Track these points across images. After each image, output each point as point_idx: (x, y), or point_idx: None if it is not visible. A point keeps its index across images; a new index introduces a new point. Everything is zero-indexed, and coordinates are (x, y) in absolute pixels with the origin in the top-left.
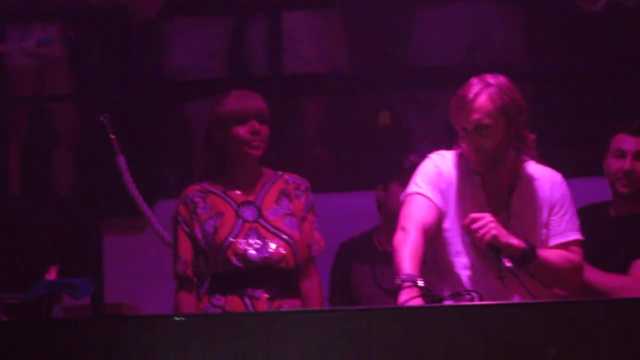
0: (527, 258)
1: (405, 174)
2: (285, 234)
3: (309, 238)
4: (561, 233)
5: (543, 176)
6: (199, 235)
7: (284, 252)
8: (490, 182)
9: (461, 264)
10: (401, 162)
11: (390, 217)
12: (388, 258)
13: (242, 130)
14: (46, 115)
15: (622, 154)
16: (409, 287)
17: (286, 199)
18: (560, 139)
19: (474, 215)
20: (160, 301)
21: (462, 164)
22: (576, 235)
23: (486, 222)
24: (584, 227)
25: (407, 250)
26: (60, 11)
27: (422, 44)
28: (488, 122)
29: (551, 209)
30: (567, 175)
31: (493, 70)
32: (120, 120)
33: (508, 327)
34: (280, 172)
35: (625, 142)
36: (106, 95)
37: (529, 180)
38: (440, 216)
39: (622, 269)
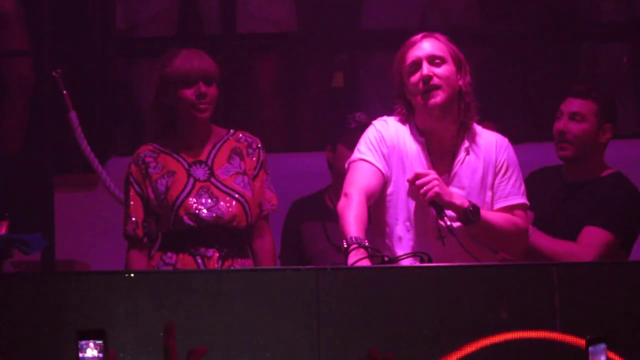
0: (469, 218)
1: (351, 134)
2: (237, 192)
3: (261, 197)
4: (506, 196)
5: (488, 140)
6: (151, 195)
7: (235, 211)
8: (435, 145)
9: (404, 226)
10: (347, 122)
11: (340, 177)
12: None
13: (188, 93)
14: None
15: (560, 115)
16: (356, 249)
17: (238, 158)
18: (514, 103)
19: (418, 171)
20: (111, 258)
21: (406, 128)
22: (521, 199)
23: (430, 179)
24: (535, 191)
25: (352, 215)
26: None
27: (377, 5)
28: (441, 54)
29: (496, 172)
30: (520, 140)
31: (447, 33)
32: (72, 76)
33: (457, 290)
34: (232, 131)
35: (566, 104)
36: (58, 51)
37: (474, 142)
38: (385, 180)
39: (571, 236)
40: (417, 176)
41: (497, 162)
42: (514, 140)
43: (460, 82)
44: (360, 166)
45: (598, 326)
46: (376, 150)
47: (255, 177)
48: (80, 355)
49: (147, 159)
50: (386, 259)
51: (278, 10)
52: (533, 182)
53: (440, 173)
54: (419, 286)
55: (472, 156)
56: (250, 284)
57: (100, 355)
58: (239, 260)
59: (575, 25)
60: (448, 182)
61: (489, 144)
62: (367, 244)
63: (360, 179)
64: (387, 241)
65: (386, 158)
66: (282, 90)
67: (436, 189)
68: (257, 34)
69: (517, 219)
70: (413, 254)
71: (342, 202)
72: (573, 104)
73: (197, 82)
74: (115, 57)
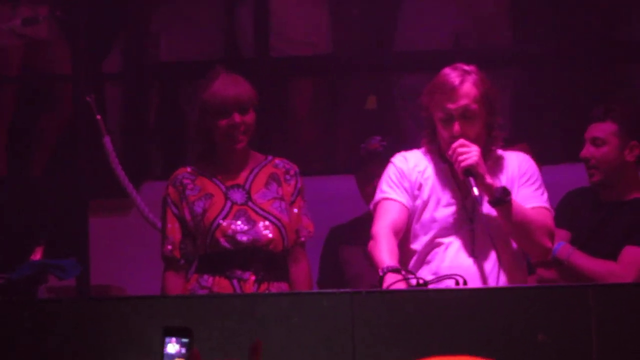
0: (501, 198)
1: (360, 162)
2: (274, 216)
3: (297, 223)
4: (528, 200)
5: (509, 157)
6: (188, 217)
7: (272, 235)
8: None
9: (438, 250)
10: (359, 150)
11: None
12: None
13: (223, 123)
14: (32, 95)
15: (584, 142)
16: (390, 272)
17: (275, 184)
18: (548, 123)
19: (463, 141)
20: (146, 282)
21: (428, 157)
22: (544, 204)
23: (472, 150)
24: (571, 211)
25: (382, 249)
26: None
27: (411, 27)
28: (475, 108)
29: (520, 182)
30: (554, 161)
31: (480, 54)
32: (108, 100)
33: (494, 312)
34: (270, 157)
35: (588, 130)
36: (94, 76)
37: (496, 165)
38: (409, 213)
39: (610, 255)
40: (462, 144)
41: (520, 173)
42: (549, 161)
43: (490, 123)
44: (384, 205)
45: (635, 348)
46: (397, 186)
47: (292, 203)
48: (165, 350)
49: (185, 181)
50: (421, 281)
51: (313, 33)
52: (569, 202)
53: (464, 196)
54: (453, 308)
55: (495, 174)
56: (286, 308)
57: (183, 350)
58: (275, 283)
59: (609, 45)
60: (474, 205)
61: (510, 160)
62: (401, 269)
63: (385, 217)
64: (422, 263)
65: (408, 191)
66: (317, 113)
67: (475, 159)
68: (293, 57)
69: (545, 216)
70: (448, 277)
71: (371, 244)
72: (592, 129)
73: (232, 112)
74: (151, 80)
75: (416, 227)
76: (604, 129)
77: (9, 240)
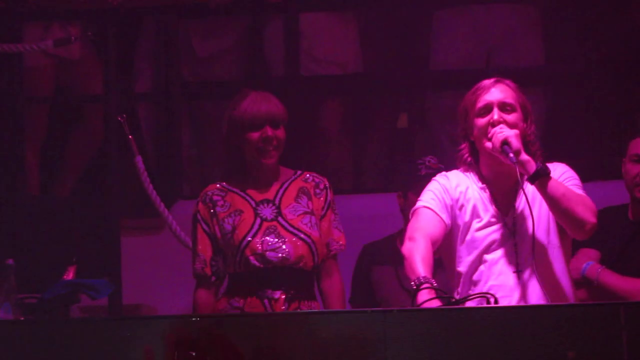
0: (539, 172)
1: (420, 181)
2: (304, 233)
3: (328, 236)
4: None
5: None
6: (218, 234)
7: (301, 252)
8: (498, 188)
9: (481, 268)
10: (417, 168)
11: None
12: None
13: (255, 136)
14: (64, 115)
15: (636, 159)
16: (425, 288)
17: (305, 197)
18: (579, 141)
19: (504, 125)
20: (178, 302)
21: (468, 176)
22: (582, 192)
23: (511, 130)
24: (601, 230)
25: (419, 256)
26: (80, 11)
27: (443, 46)
28: (512, 103)
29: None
30: (584, 179)
31: (513, 73)
32: (139, 120)
33: (525, 330)
34: (300, 171)
35: (633, 145)
36: (124, 95)
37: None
38: (447, 230)
39: None
40: (502, 128)
41: (558, 174)
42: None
43: (527, 131)
44: (424, 213)
45: None
46: (440, 201)
47: (322, 217)
48: None
49: (215, 197)
50: (453, 300)
51: (343, 52)
52: (598, 221)
53: (505, 213)
54: (486, 327)
55: (535, 195)
56: (317, 327)
57: None
58: (306, 302)
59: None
60: (515, 221)
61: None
62: (435, 284)
63: (424, 225)
64: (461, 283)
65: (449, 210)
66: (347, 132)
67: (513, 133)
68: (323, 76)
69: (587, 198)
70: (480, 295)
71: (408, 245)
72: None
73: (264, 126)
74: (181, 99)
75: (461, 248)
76: None
77: (41, 260)
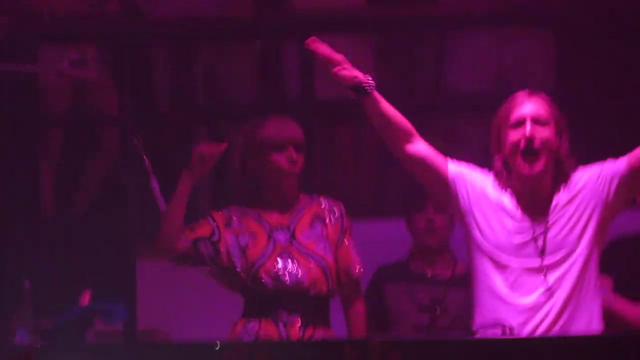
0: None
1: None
2: (319, 256)
3: (347, 262)
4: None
5: (580, 178)
6: (229, 241)
7: (315, 276)
8: (529, 200)
9: (507, 280)
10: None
11: (418, 245)
12: (423, 280)
13: (279, 158)
14: (80, 136)
15: None
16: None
17: (320, 224)
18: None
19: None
20: (194, 328)
21: (495, 185)
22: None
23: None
24: (614, 258)
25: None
26: (95, 32)
27: (453, 71)
28: (546, 116)
29: (610, 168)
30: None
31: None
32: (154, 142)
33: None
34: (315, 195)
35: None
36: (139, 117)
37: (567, 188)
38: (442, 169)
39: None
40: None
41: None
42: None
43: (561, 147)
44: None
45: None
46: (463, 168)
47: (339, 243)
48: None
49: (232, 214)
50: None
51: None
52: (612, 249)
53: (535, 217)
54: (500, 357)
55: (568, 205)
56: (329, 356)
57: None
58: (321, 329)
59: None
60: (545, 232)
61: (586, 173)
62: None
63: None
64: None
65: (460, 180)
66: (364, 155)
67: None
68: (339, 99)
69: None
70: (494, 325)
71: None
72: None
73: (288, 148)
74: (197, 124)
75: (484, 260)
76: None
77: (56, 284)
